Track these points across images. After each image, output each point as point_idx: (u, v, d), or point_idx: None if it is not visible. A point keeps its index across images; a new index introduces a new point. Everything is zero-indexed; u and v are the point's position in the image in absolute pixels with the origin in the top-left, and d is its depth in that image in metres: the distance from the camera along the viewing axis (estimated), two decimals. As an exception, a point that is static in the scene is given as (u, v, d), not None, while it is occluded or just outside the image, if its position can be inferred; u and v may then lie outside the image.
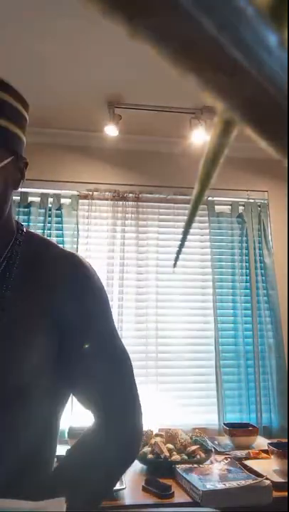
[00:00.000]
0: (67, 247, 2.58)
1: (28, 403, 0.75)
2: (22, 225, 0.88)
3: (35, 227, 2.58)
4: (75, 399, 0.86)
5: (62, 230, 2.63)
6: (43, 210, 2.64)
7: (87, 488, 0.73)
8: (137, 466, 1.70)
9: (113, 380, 0.83)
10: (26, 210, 2.63)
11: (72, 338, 0.79)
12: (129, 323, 2.60)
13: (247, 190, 2.84)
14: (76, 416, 1.85)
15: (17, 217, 2.60)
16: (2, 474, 0.71)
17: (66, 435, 1.89)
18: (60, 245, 0.92)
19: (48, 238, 0.94)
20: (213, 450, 1.84)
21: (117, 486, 1.40)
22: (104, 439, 0.79)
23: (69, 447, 0.87)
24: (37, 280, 0.80)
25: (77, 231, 2.65)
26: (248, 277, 2.74)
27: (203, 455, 1.73)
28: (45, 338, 0.77)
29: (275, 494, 1.43)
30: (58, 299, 0.79)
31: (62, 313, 0.79)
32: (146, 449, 1.72)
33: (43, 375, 0.77)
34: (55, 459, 0.84)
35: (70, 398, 0.87)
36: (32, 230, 0.91)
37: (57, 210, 2.65)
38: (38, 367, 0.76)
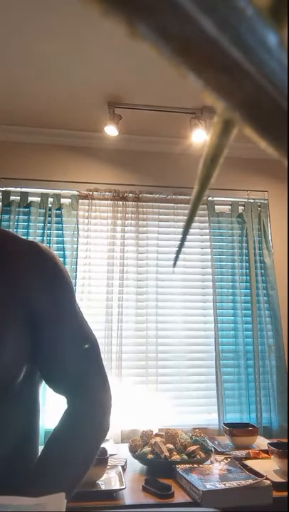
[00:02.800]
0: (68, 247, 2.58)
1: (10, 396, 0.76)
2: None
3: (35, 227, 2.58)
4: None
5: (62, 230, 2.63)
6: (43, 210, 2.64)
7: (70, 470, 0.75)
8: (137, 466, 1.70)
9: (83, 363, 0.85)
10: (26, 210, 2.63)
11: (43, 326, 0.80)
12: (129, 323, 2.60)
13: (247, 190, 2.84)
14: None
15: (17, 217, 2.61)
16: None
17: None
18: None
19: (3, 228, 0.92)
20: (213, 450, 1.84)
21: (117, 486, 1.40)
22: (79, 421, 0.81)
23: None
24: (3, 273, 0.79)
25: (77, 231, 2.65)
26: (248, 277, 2.74)
27: (203, 455, 1.73)
28: (20, 329, 0.77)
29: (275, 494, 1.43)
30: (27, 289, 0.79)
31: (32, 303, 0.79)
32: (146, 449, 1.71)
33: (22, 366, 0.77)
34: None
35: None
36: None
37: (57, 210, 2.65)
38: (18, 358, 0.76)
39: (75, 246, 2.61)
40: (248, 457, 1.82)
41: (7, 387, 0.74)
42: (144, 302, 2.64)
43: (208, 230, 2.79)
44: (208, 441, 1.88)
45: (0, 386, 0.73)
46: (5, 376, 0.73)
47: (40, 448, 0.83)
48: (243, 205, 2.84)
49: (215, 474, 1.55)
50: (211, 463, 1.71)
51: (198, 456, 1.72)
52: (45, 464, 0.75)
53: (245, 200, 2.84)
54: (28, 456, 0.81)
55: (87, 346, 0.86)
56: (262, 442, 2.02)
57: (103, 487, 1.40)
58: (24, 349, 0.77)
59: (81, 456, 0.78)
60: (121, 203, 2.73)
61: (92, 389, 0.85)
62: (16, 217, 2.60)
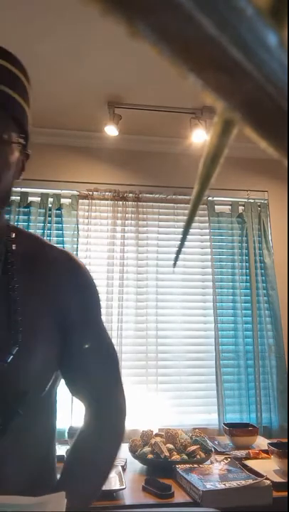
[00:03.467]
0: (68, 247, 2.58)
1: (38, 401, 0.76)
2: (8, 220, 0.86)
3: (35, 227, 2.58)
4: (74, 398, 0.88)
5: (62, 230, 2.63)
6: (43, 210, 2.64)
7: (94, 476, 0.77)
8: (137, 466, 1.70)
9: (104, 372, 0.87)
10: (26, 210, 2.63)
11: (72, 333, 0.81)
12: (129, 323, 2.60)
13: (247, 190, 2.84)
14: (76, 416, 1.85)
15: (17, 217, 2.61)
16: (12, 474, 0.72)
17: (66, 435, 1.89)
18: (56, 244, 0.91)
19: (36, 234, 0.92)
20: (213, 450, 1.84)
21: (117, 486, 1.40)
22: (100, 429, 0.83)
23: (69, 447, 0.90)
24: (36, 279, 0.79)
25: (77, 231, 2.65)
26: (248, 277, 2.74)
27: (203, 455, 1.73)
28: (52, 336, 0.77)
29: (275, 494, 1.43)
30: (59, 297, 0.79)
31: (64, 311, 0.80)
32: (146, 449, 1.71)
33: (52, 373, 0.78)
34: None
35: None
36: (12, 224, 0.88)
37: (57, 210, 2.65)
38: (50, 366, 0.77)
39: (75, 246, 2.61)
40: (248, 457, 1.82)
41: (39, 393, 0.75)
42: (144, 302, 2.64)
43: (208, 230, 2.79)
44: (208, 441, 1.88)
45: (33, 393, 0.73)
46: (39, 384, 0.74)
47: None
48: (243, 205, 2.84)
49: (215, 474, 1.55)
50: (211, 463, 1.71)
51: (198, 456, 1.72)
52: (69, 470, 0.76)
53: (245, 200, 2.84)
54: (46, 457, 0.82)
55: (108, 356, 0.88)
56: (262, 442, 2.02)
57: (103, 487, 1.40)
58: (55, 356, 0.78)
59: (104, 463, 0.80)
60: (121, 203, 2.73)
61: (113, 398, 0.87)
62: (16, 217, 2.60)
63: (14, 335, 0.71)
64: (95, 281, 0.90)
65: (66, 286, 0.81)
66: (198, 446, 1.77)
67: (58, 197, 2.67)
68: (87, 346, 0.83)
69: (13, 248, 0.79)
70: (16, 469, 0.72)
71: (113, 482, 1.44)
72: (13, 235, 0.82)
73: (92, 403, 0.86)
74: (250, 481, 1.45)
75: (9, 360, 0.69)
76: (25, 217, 2.61)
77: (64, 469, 0.77)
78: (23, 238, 0.83)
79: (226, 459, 1.73)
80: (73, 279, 0.83)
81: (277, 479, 1.52)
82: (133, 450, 1.73)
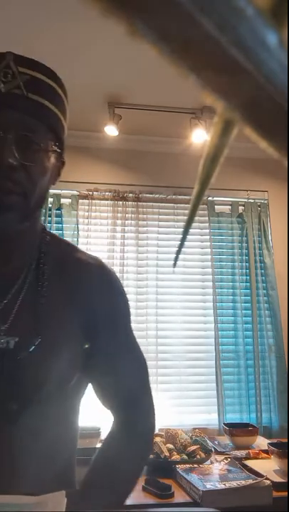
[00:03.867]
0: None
1: (56, 398, 0.77)
2: (43, 224, 0.89)
3: (35, 227, 2.58)
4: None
5: (62, 230, 2.63)
6: (43, 210, 2.63)
7: (118, 486, 0.77)
8: (137, 466, 1.70)
9: (134, 382, 0.87)
10: (26, 210, 2.62)
11: (100, 339, 0.82)
12: (129, 323, 2.59)
13: (247, 190, 2.84)
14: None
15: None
16: (29, 473, 0.73)
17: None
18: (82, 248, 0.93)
19: (67, 240, 0.95)
20: (213, 450, 1.84)
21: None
22: (127, 438, 0.83)
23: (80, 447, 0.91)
24: (65, 282, 0.81)
25: (77, 231, 2.65)
26: (248, 277, 2.74)
27: (203, 455, 1.73)
28: (77, 337, 0.79)
29: (275, 494, 1.43)
30: (86, 301, 0.81)
31: (91, 316, 0.81)
32: (146, 449, 1.71)
33: (74, 374, 0.79)
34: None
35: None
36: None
37: (57, 210, 2.65)
38: (72, 365, 0.78)
39: (75, 246, 2.61)
40: (248, 457, 1.82)
41: (59, 390, 0.76)
42: (144, 302, 2.64)
43: (208, 230, 2.79)
44: (208, 441, 1.88)
45: (52, 388, 0.74)
46: (58, 380, 0.75)
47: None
48: (243, 205, 2.84)
49: (215, 474, 1.55)
50: (211, 463, 1.71)
51: (198, 456, 1.72)
52: (95, 477, 0.77)
53: (245, 200, 2.84)
54: (66, 458, 0.82)
55: (137, 364, 0.88)
56: (262, 442, 2.02)
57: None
58: (78, 356, 0.79)
59: (129, 473, 0.80)
60: (121, 203, 2.73)
61: (143, 413, 0.87)
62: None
63: (38, 327, 0.74)
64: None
65: (95, 291, 0.83)
66: (198, 446, 1.77)
67: (57, 197, 2.67)
68: (115, 354, 0.84)
69: (46, 251, 0.82)
70: (34, 468, 0.73)
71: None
72: (48, 239, 0.85)
73: (119, 412, 0.86)
74: (250, 481, 1.45)
75: (31, 350, 0.72)
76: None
77: (88, 476, 0.78)
78: (55, 242, 0.86)
79: (226, 459, 1.73)
80: (103, 285, 0.85)
81: (277, 479, 1.52)
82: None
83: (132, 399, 0.86)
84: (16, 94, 0.71)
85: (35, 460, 0.73)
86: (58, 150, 0.78)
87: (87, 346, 0.80)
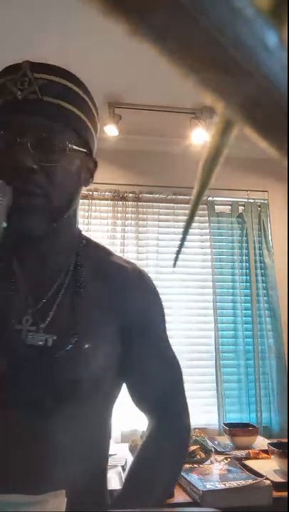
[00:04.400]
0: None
1: (94, 402, 0.78)
2: (80, 229, 0.90)
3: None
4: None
5: (62, 230, 2.62)
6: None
7: (158, 489, 0.77)
8: (137, 466, 1.70)
9: (170, 385, 0.88)
10: (26, 210, 2.62)
11: (135, 342, 0.83)
12: (129, 323, 2.59)
13: (247, 190, 2.84)
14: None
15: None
16: (63, 469, 0.73)
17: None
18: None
19: (103, 244, 0.96)
20: (213, 450, 1.84)
21: (117, 486, 1.40)
22: (165, 441, 0.83)
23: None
24: (101, 285, 0.83)
25: (77, 231, 2.64)
26: (248, 277, 2.74)
27: (203, 455, 1.73)
28: (113, 338, 0.80)
29: (275, 494, 1.43)
30: (122, 306, 0.82)
31: (127, 319, 0.82)
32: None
33: (108, 375, 0.80)
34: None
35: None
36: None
37: (57, 210, 2.64)
38: (106, 368, 0.79)
39: (75, 246, 2.61)
40: (248, 457, 1.82)
41: (93, 391, 0.77)
42: (144, 302, 2.64)
43: (208, 230, 2.79)
44: (208, 441, 1.88)
45: (85, 388, 0.75)
46: (92, 381, 0.76)
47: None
48: (243, 205, 2.84)
49: (215, 474, 1.55)
50: (211, 463, 1.71)
51: (198, 456, 1.72)
52: (132, 482, 0.77)
53: (245, 200, 2.84)
54: (98, 463, 0.83)
55: (172, 369, 0.89)
56: (262, 442, 2.02)
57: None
58: (114, 359, 0.80)
59: (166, 478, 0.80)
60: (121, 203, 2.73)
61: (177, 414, 0.87)
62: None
63: (75, 327, 0.76)
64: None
65: (131, 295, 0.84)
66: (198, 446, 1.77)
67: (58, 197, 2.66)
68: (149, 357, 0.85)
69: (83, 254, 0.84)
70: (64, 467, 0.73)
71: (113, 482, 1.44)
72: (84, 242, 0.87)
73: (153, 414, 0.87)
74: (250, 481, 1.45)
75: (68, 349, 0.74)
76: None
77: (126, 479, 0.79)
78: (92, 246, 0.89)
79: (226, 459, 1.73)
80: (139, 289, 0.86)
81: (277, 479, 1.52)
82: (133, 450, 1.73)
83: (165, 401, 0.87)
84: (31, 99, 0.72)
85: (66, 459, 0.74)
86: (82, 150, 0.78)
87: (122, 348, 0.82)
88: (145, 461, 0.81)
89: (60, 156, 0.74)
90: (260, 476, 1.52)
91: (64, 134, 0.74)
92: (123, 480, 1.43)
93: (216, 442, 2.07)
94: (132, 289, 0.85)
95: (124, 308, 0.82)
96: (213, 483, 1.44)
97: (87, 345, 0.76)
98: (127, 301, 0.83)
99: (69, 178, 0.76)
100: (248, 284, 2.73)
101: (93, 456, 0.80)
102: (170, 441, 0.83)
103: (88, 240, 0.90)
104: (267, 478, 1.48)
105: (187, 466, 1.61)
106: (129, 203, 2.74)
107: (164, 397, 0.87)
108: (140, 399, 0.88)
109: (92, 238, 0.93)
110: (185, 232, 0.26)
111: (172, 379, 0.89)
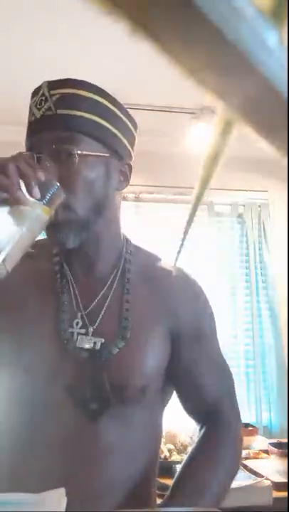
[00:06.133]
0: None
1: (142, 406, 0.79)
2: (125, 235, 0.92)
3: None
4: None
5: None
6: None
7: (207, 499, 0.75)
8: (137, 466, 1.70)
9: (225, 395, 0.87)
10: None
11: (183, 347, 0.83)
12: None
13: (247, 190, 2.84)
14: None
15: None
16: (118, 472, 0.74)
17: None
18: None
19: (151, 250, 0.97)
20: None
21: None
22: (218, 452, 0.82)
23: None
24: (149, 289, 0.83)
25: (77, 231, 2.64)
26: (248, 277, 2.74)
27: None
28: (159, 342, 0.81)
29: (275, 494, 1.43)
30: (172, 312, 0.83)
31: (176, 325, 0.82)
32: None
33: (157, 379, 0.80)
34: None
35: None
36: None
37: (57, 210, 2.64)
38: (155, 370, 0.79)
39: (75, 246, 2.61)
40: (248, 457, 1.82)
41: (143, 394, 0.77)
42: (144, 302, 2.64)
43: (208, 230, 2.78)
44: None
45: (137, 392, 0.76)
46: (140, 386, 0.77)
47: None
48: (243, 205, 2.84)
49: (215, 474, 1.55)
50: (211, 463, 1.71)
51: (198, 456, 1.71)
52: (180, 490, 0.76)
53: (245, 200, 2.84)
54: (147, 466, 0.82)
55: (226, 378, 0.89)
56: (262, 442, 2.02)
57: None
58: (162, 364, 0.81)
59: (215, 490, 0.79)
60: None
61: (231, 424, 0.86)
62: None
63: (123, 331, 0.77)
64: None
65: (180, 301, 0.84)
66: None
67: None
68: (200, 363, 0.85)
69: (130, 260, 0.86)
70: (112, 470, 0.74)
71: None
72: (131, 248, 0.89)
73: (203, 422, 0.87)
74: (250, 481, 1.45)
75: (115, 353, 0.75)
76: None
77: (175, 484, 0.78)
78: (138, 252, 0.91)
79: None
80: (188, 294, 0.87)
81: (277, 479, 1.52)
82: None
83: (219, 410, 0.86)
84: (48, 116, 0.74)
85: (114, 462, 0.74)
86: (99, 154, 0.77)
87: (171, 354, 0.82)
88: (195, 470, 0.79)
89: (76, 162, 0.73)
90: (260, 476, 1.52)
91: (81, 142, 0.74)
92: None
93: (216, 442, 2.07)
94: (180, 294, 0.85)
95: (172, 314, 0.82)
96: (213, 483, 1.44)
97: (134, 351, 0.77)
98: (175, 306, 0.83)
99: (92, 186, 0.76)
100: (248, 284, 2.73)
101: (141, 459, 0.80)
102: (222, 451, 0.82)
103: (135, 246, 0.92)
104: (267, 478, 1.48)
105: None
106: (129, 202, 2.74)
107: (218, 406, 0.86)
108: (193, 406, 0.88)
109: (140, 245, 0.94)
110: (185, 232, 0.26)
111: (227, 388, 0.89)
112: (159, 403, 0.85)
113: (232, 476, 0.83)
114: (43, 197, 0.66)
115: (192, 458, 0.82)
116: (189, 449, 0.87)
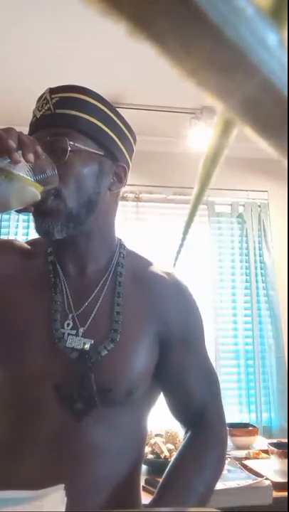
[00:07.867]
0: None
1: (128, 407, 0.80)
2: (120, 239, 0.93)
3: (35, 227, 2.57)
4: None
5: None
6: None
7: (193, 499, 0.76)
8: (137, 466, 1.70)
9: (210, 398, 0.89)
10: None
11: (170, 351, 0.84)
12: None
13: (247, 190, 2.84)
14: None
15: (17, 218, 2.60)
16: (103, 472, 0.75)
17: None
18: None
19: (143, 254, 0.98)
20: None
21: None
22: (203, 454, 0.83)
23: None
24: (140, 292, 0.84)
25: (77, 231, 2.64)
26: (248, 277, 2.74)
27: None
28: (151, 344, 0.82)
29: (275, 494, 1.43)
30: (161, 315, 0.84)
31: (165, 329, 0.83)
32: (146, 448, 1.71)
33: (144, 382, 0.81)
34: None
35: None
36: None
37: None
38: (142, 373, 0.80)
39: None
40: (248, 457, 1.81)
41: (129, 396, 0.78)
42: (144, 302, 2.64)
43: (208, 230, 2.78)
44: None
45: (123, 393, 0.77)
46: (126, 387, 0.77)
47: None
48: (243, 205, 2.84)
49: (215, 474, 1.55)
50: (211, 463, 1.70)
51: (198, 456, 1.71)
52: (167, 490, 0.77)
53: (245, 200, 2.84)
54: (132, 467, 0.83)
55: (212, 382, 0.90)
56: (262, 442, 2.01)
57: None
58: (150, 367, 0.81)
59: (201, 490, 0.79)
60: (121, 202, 2.73)
61: (215, 427, 0.87)
62: (16, 218, 2.60)
63: (112, 333, 0.78)
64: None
65: (169, 305, 0.85)
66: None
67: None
68: (186, 367, 0.86)
69: (122, 263, 0.87)
70: (96, 470, 0.74)
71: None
72: (124, 251, 0.90)
73: (188, 426, 0.88)
74: (250, 481, 1.45)
75: (104, 355, 0.76)
76: (25, 217, 2.61)
77: (160, 486, 0.78)
78: (131, 255, 0.91)
79: (226, 459, 1.73)
80: (177, 299, 0.88)
81: (277, 479, 1.52)
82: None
83: (204, 413, 0.87)
84: (46, 115, 0.79)
85: (99, 461, 0.75)
86: (91, 150, 0.79)
87: (159, 357, 0.83)
88: (181, 472, 0.80)
89: (68, 156, 0.76)
90: (260, 476, 1.52)
91: (74, 138, 0.77)
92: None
93: (216, 442, 2.07)
94: (170, 299, 0.86)
95: (161, 318, 0.83)
96: (213, 483, 1.44)
97: (123, 353, 0.78)
98: (164, 311, 0.84)
99: (83, 180, 0.78)
100: (248, 284, 2.73)
101: (126, 460, 0.80)
102: (207, 453, 0.83)
103: (129, 251, 0.92)
104: (267, 478, 1.48)
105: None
106: (129, 203, 2.74)
107: (203, 409, 0.87)
108: (178, 408, 0.89)
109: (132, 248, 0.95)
110: (185, 232, 0.26)
111: (213, 393, 0.90)
112: (145, 405, 0.85)
113: (216, 477, 0.84)
114: (40, 172, 0.68)
115: (178, 459, 0.83)
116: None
